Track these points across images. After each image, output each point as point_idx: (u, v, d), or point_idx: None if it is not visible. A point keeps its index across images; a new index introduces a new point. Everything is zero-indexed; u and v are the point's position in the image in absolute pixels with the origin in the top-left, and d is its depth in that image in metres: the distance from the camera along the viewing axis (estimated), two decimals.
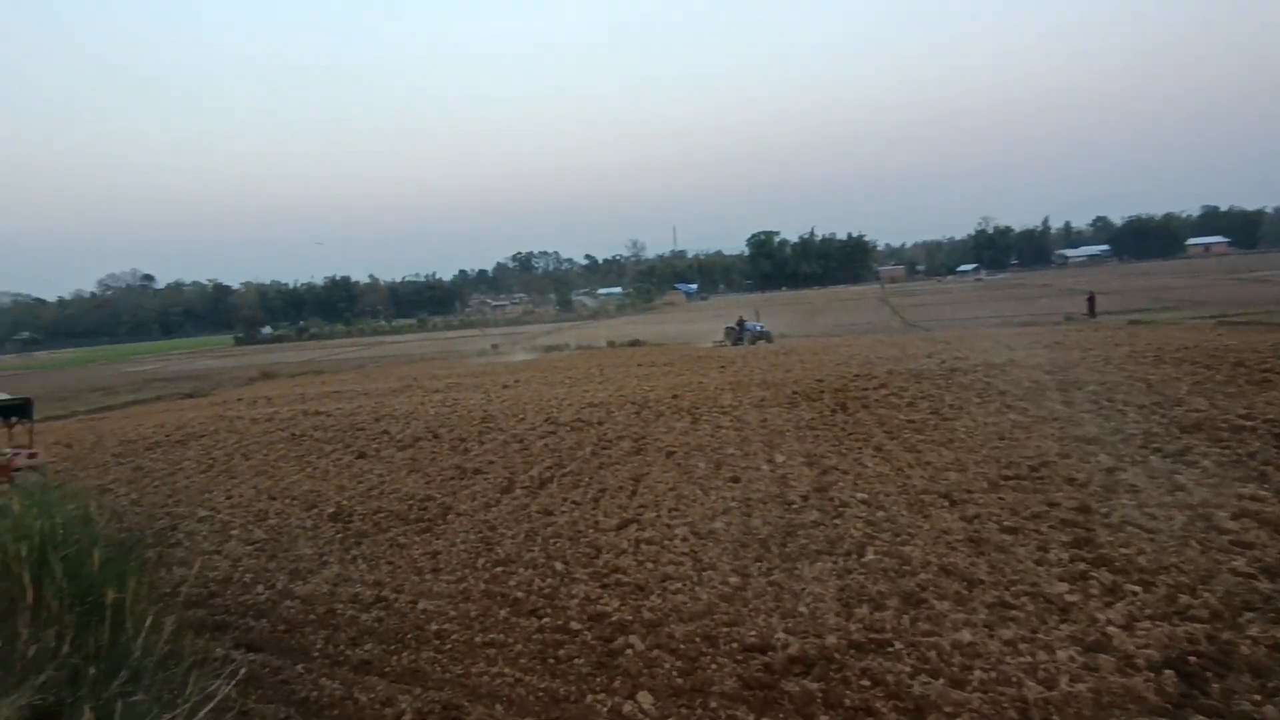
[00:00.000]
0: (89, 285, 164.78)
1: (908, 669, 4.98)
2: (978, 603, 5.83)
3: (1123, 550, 6.48)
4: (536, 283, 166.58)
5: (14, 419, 12.14)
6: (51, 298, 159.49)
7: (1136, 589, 5.78)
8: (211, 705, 3.92)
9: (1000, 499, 8.15)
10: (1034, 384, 14.79)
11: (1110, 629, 5.21)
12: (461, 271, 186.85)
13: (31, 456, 11.33)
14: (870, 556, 6.84)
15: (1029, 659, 4.95)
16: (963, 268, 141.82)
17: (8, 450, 11.33)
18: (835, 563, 6.83)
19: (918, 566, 6.55)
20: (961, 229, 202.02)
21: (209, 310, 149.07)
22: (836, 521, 7.86)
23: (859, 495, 8.65)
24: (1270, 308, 32.18)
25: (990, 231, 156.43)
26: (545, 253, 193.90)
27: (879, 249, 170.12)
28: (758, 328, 38.10)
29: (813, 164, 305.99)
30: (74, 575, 3.86)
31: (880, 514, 7.98)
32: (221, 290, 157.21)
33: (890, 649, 5.27)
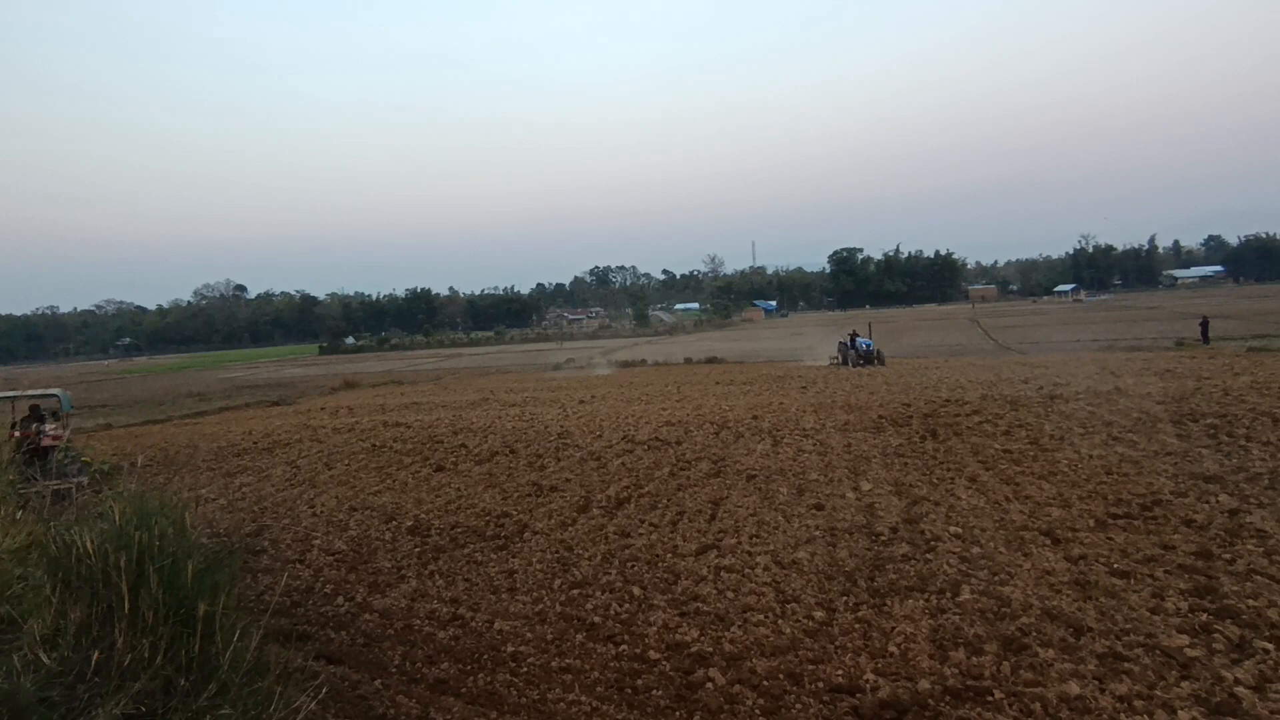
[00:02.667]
0: (186, 294, 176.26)
1: None
2: (1086, 652, 5.39)
3: (1250, 602, 5.91)
4: (613, 297, 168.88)
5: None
6: (151, 306, 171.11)
7: (1268, 646, 5.24)
8: None
9: (1109, 539, 7.57)
10: (1144, 415, 13.85)
11: (1239, 690, 4.71)
12: (539, 285, 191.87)
13: (56, 437, 13.93)
14: (966, 596, 6.44)
15: (1146, 718, 4.51)
16: (1060, 288, 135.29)
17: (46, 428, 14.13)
18: (928, 601, 6.46)
19: (1018, 609, 6.12)
20: (1059, 247, 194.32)
21: (296, 320, 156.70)
22: (928, 556, 7.45)
23: (952, 529, 8.19)
24: None
25: (1090, 250, 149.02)
26: (623, 267, 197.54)
27: (969, 267, 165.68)
28: (865, 345, 32.79)
29: (898, 179, 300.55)
30: (169, 586, 3.93)
31: (975, 550, 7.52)
32: (308, 300, 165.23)
33: (990, 698, 4.90)
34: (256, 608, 5.49)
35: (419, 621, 6.99)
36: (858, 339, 33.26)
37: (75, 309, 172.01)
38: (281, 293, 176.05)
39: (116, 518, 4.22)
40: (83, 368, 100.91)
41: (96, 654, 3.56)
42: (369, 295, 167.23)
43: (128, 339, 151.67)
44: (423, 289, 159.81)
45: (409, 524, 10.17)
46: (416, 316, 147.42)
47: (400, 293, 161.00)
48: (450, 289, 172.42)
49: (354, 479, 13.53)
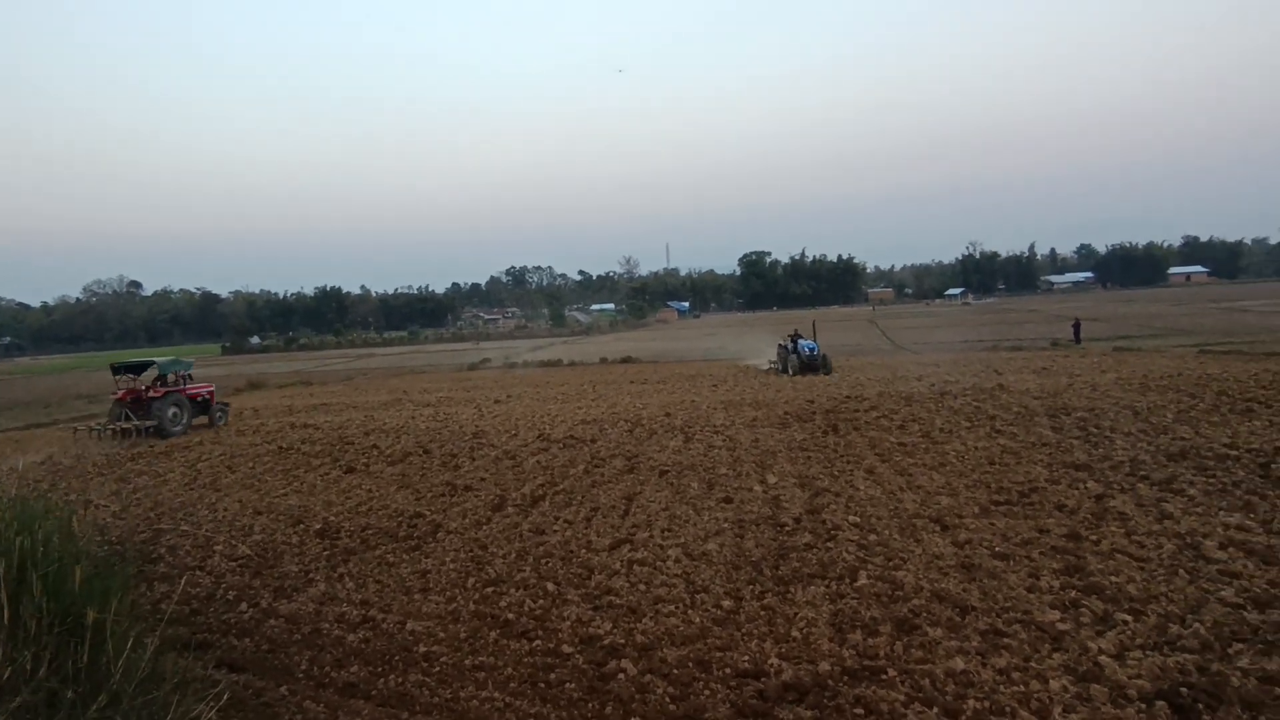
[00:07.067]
0: (75, 291, 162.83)
1: (901, 697, 4.90)
2: (970, 630, 5.78)
3: (1113, 579, 6.48)
4: (529, 297, 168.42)
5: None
6: (36, 303, 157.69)
7: (1127, 618, 5.76)
8: None
9: (991, 524, 8.16)
10: (1023, 409, 14.89)
11: (1102, 659, 5.17)
12: (454, 284, 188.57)
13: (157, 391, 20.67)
14: (863, 581, 6.80)
15: (1022, 689, 4.89)
16: (950, 291, 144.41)
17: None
18: (828, 586, 6.78)
19: (910, 592, 6.51)
20: (949, 253, 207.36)
21: (197, 318, 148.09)
22: (829, 545, 7.83)
23: (851, 518, 8.63)
24: (1250, 337, 32.58)
25: (977, 256, 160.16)
26: (539, 267, 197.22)
27: (869, 271, 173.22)
28: (809, 348, 26.96)
29: (805, 185, 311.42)
30: (54, 594, 3.74)
31: (872, 537, 7.96)
32: (210, 298, 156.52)
33: (884, 676, 5.19)
34: (152, 616, 5.24)
35: (328, 625, 6.85)
36: (800, 341, 27.74)
37: None
38: (181, 290, 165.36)
39: None
40: None
41: None
42: (275, 293, 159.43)
43: (8, 338, 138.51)
44: (333, 287, 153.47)
45: (318, 527, 9.91)
46: (326, 316, 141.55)
47: (309, 291, 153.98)
48: (362, 288, 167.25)
49: (259, 482, 13.03)
